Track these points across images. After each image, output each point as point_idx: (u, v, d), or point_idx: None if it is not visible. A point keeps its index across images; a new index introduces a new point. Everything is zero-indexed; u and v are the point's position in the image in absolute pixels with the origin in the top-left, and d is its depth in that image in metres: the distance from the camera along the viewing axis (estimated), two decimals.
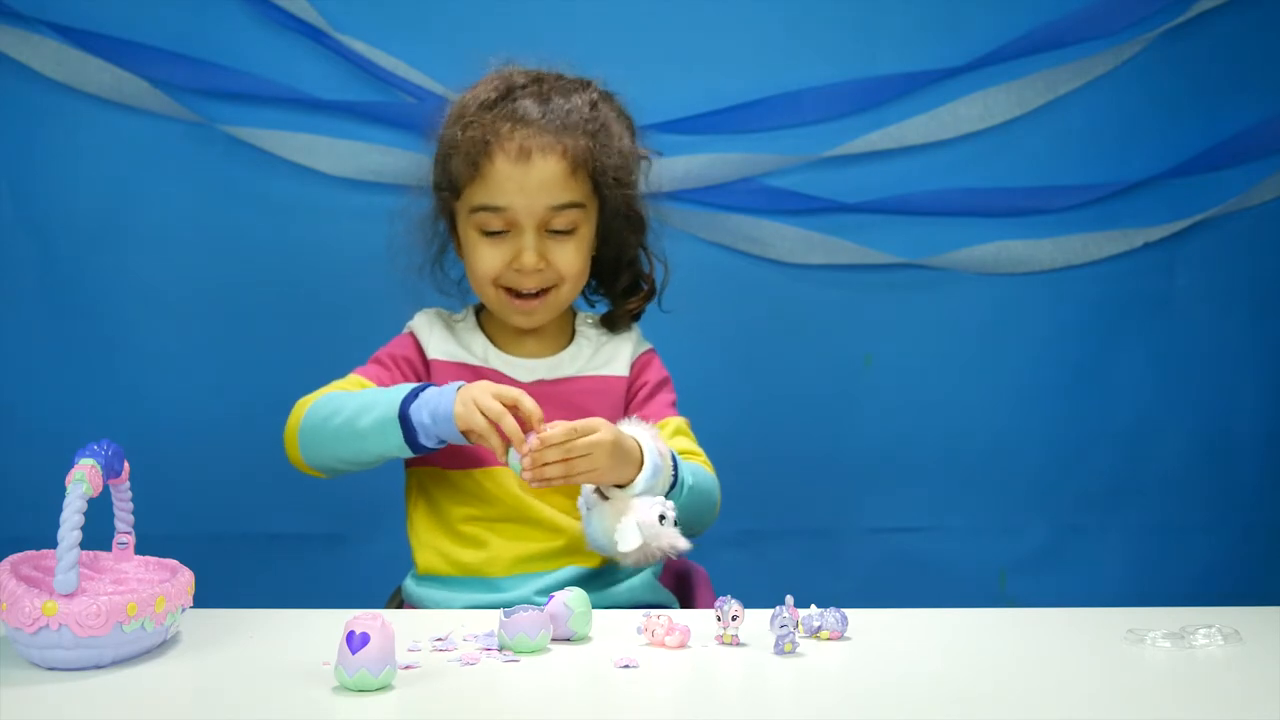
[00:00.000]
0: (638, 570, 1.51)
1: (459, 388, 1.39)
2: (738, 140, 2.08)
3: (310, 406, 1.47)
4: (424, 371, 1.56)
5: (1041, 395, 2.15)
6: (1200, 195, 2.13)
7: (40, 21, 1.98)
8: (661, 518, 1.35)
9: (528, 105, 1.51)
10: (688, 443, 1.58)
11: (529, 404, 1.36)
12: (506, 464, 1.37)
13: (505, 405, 1.35)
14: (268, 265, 2.05)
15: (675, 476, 1.44)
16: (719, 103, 2.07)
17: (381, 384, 1.51)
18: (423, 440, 1.40)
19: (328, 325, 2.05)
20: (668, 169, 2.00)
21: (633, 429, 1.42)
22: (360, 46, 2.02)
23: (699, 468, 1.52)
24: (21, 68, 2.00)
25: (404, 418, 1.39)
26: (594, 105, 1.54)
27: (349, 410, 1.43)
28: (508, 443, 1.36)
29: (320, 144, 2.03)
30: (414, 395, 1.40)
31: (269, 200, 2.04)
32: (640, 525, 1.34)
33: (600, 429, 1.36)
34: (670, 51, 2.06)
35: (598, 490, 1.40)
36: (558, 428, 1.34)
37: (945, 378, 2.14)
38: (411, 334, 1.59)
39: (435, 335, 1.58)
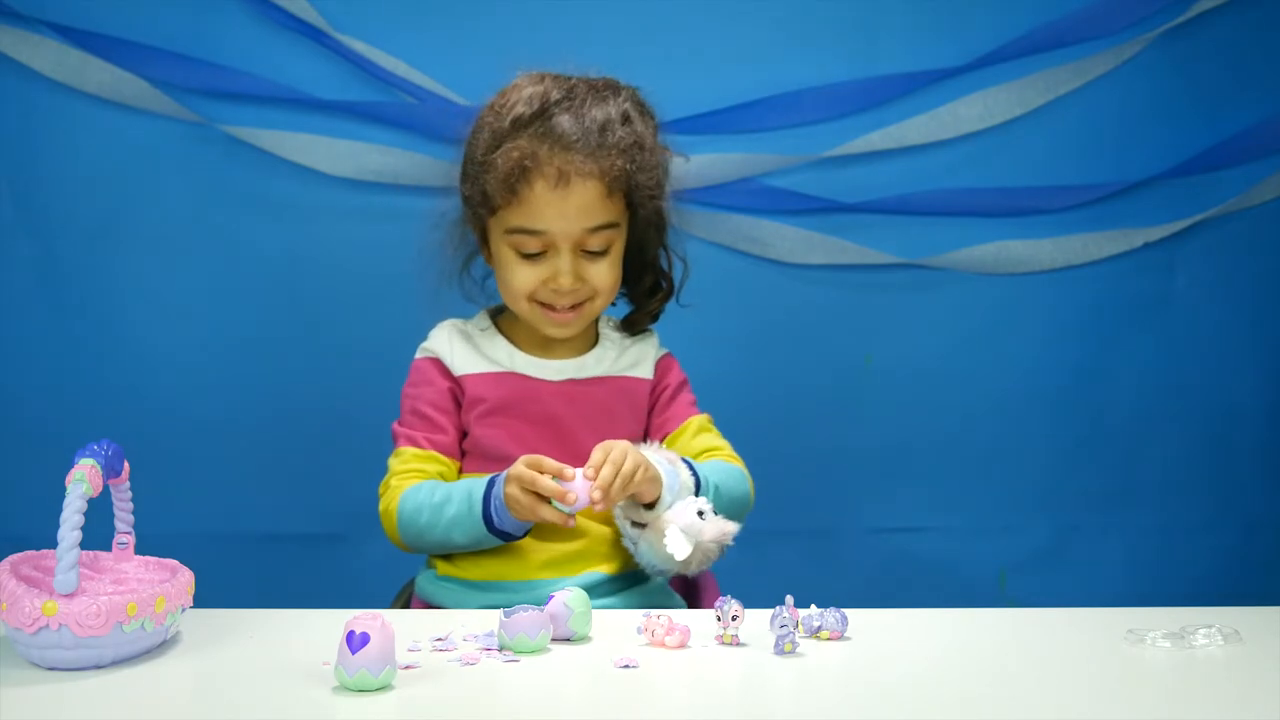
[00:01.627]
0: (647, 574, 1.51)
1: (502, 486, 1.43)
2: (738, 140, 2.08)
3: (399, 513, 1.50)
4: (460, 392, 1.57)
5: (1041, 395, 2.15)
6: (1200, 195, 2.13)
7: (40, 21, 1.98)
8: (700, 514, 1.38)
9: (564, 123, 1.50)
10: (711, 438, 1.60)
11: (550, 463, 1.40)
12: (565, 521, 1.40)
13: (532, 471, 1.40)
14: (267, 265, 2.05)
15: (695, 478, 1.47)
16: (719, 102, 2.07)
17: (436, 445, 1.55)
18: (517, 535, 1.47)
19: (328, 324, 2.05)
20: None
21: (648, 453, 1.45)
22: (360, 46, 2.02)
23: (721, 465, 1.55)
24: (21, 68, 2.00)
25: (496, 533, 1.46)
26: (626, 117, 1.53)
27: (442, 526, 1.47)
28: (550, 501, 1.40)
29: (320, 144, 2.03)
30: (489, 508, 1.44)
31: (268, 200, 2.04)
32: (684, 530, 1.37)
33: (616, 442, 1.40)
34: (670, 51, 2.06)
35: (635, 524, 1.43)
36: (598, 459, 1.38)
37: (945, 378, 2.14)
38: (432, 359, 1.59)
39: (457, 351, 1.58)
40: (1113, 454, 2.17)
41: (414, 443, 1.55)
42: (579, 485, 1.38)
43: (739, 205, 2.09)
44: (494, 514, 1.44)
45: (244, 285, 2.05)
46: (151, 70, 2.00)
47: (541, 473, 1.39)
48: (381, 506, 1.53)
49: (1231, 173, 2.13)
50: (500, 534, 1.46)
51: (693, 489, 1.46)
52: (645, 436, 1.59)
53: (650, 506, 1.43)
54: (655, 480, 1.41)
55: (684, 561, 1.39)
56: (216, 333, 2.05)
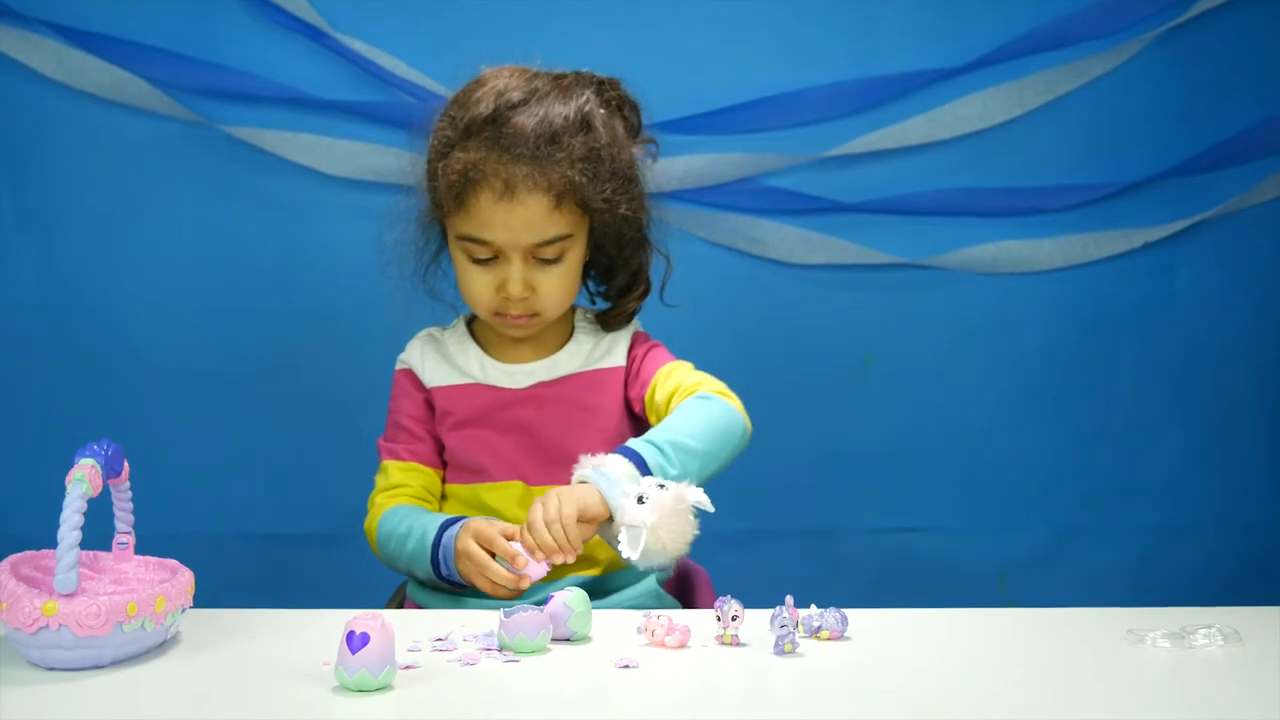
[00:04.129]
0: (641, 577, 1.50)
1: (452, 538, 1.40)
2: (737, 140, 2.09)
3: (376, 536, 1.51)
4: (432, 403, 1.57)
5: (1041, 395, 2.15)
6: (1200, 195, 2.13)
7: (41, 22, 1.98)
8: (641, 499, 1.32)
9: (515, 130, 1.45)
10: (681, 375, 1.52)
11: (501, 544, 1.35)
12: (525, 576, 1.35)
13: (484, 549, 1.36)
14: (267, 265, 2.05)
15: (640, 459, 1.39)
16: (719, 102, 2.07)
17: (417, 455, 1.55)
18: (463, 584, 1.43)
19: (327, 324, 2.05)
20: (667, 169, 1.99)
21: (580, 471, 1.39)
22: (360, 46, 2.02)
23: (681, 408, 1.46)
24: (22, 68, 2.00)
25: (444, 579, 1.44)
26: (585, 123, 1.49)
27: (405, 558, 1.47)
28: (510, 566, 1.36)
29: (320, 144, 2.03)
30: (437, 555, 1.42)
31: (268, 200, 2.05)
32: (629, 526, 1.32)
33: (548, 493, 1.35)
34: (670, 51, 2.06)
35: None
36: (526, 540, 1.34)
37: (945, 378, 2.14)
38: (406, 371, 1.59)
39: (429, 364, 1.57)
40: (1113, 454, 2.17)
41: (395, 456, 1.55)
42: (533, 563, 1.34)
43: (739, 205, 2.09)
44: (441, 562, 1.42)
45: (244, 284, 2.05)
46: (151, 70, 2.01)
47: (499, 540, 1.36)
48: (365, 524, 1.53)
49: (1232, 172, 2.13)
50: (448, 580, 1.43)
51: (636, 473, 1.37)
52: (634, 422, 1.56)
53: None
54: (600, 503, 1.34)
55: (643, 561, 1.32)
56: (216, 332, 2.06)
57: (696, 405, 1.47)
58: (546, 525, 1.33)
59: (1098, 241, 2.13)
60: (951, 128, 2.10)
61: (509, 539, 1.36)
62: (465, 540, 1.38)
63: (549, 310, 1.53)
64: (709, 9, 2.08)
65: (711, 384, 1.51)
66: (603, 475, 1.36)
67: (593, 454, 1.41)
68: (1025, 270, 2.12)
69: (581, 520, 1.34)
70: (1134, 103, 2.12)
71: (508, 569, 1.35)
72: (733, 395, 1.50)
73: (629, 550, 1.32)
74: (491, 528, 1.37)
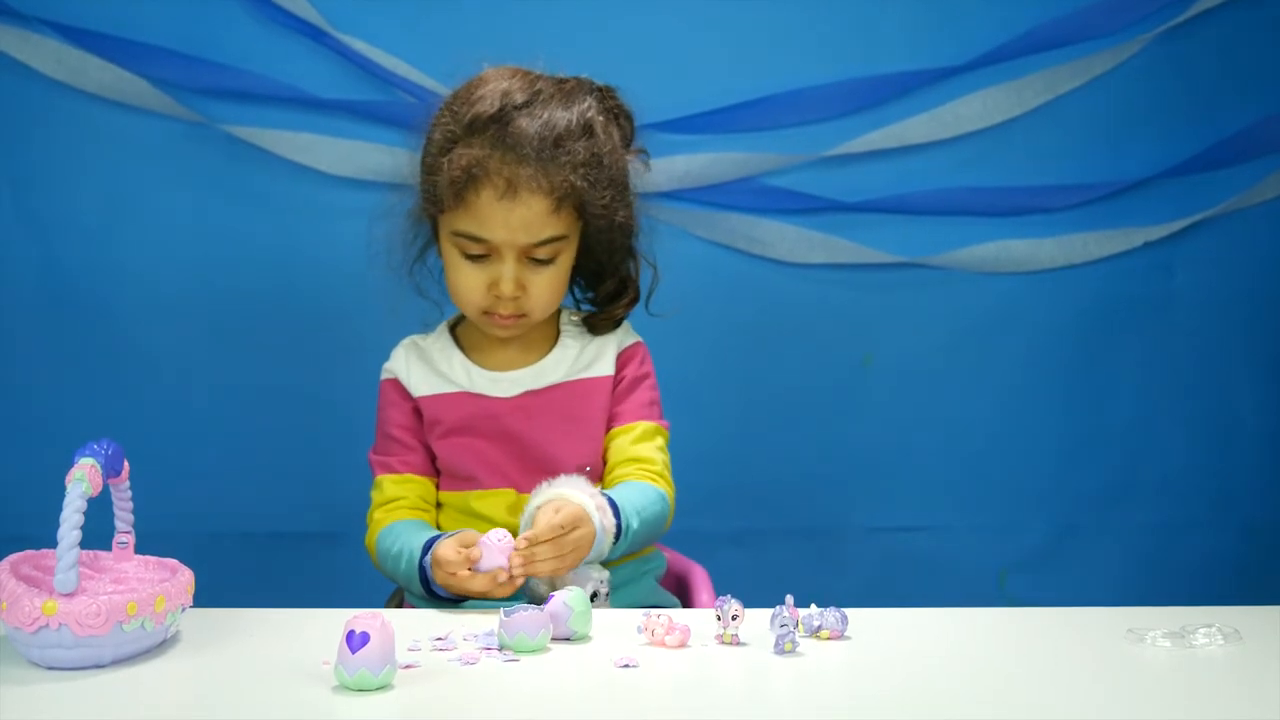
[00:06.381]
0: (639, 576, 1.51)
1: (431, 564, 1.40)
2: (738, 139, 2.09)
3: (377, 551, 1.51)
4: (420, 413, 1.56)
5: (1041, 394, 2.15)
6: (1200, 194, 2.13)
7: (40, 20, 1.98)
8: (594, 596, 1.35)
9: (519, 131, 1.46)
10: (649, 449, 1.54)
11: (454, 559, 1.35)
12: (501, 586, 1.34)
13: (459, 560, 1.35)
14: (267, 264, 2.05)
15: (619, 528, 1.41)
16: (719, 102, 2.07)
17: (411, 466, 1.54)
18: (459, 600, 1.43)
19: (327, 323, 2.05)
20: (667, 168, 2.00)
21: (575, 492, 1.39)
22: (360, 45, 2.02)
23: (645, 494, 1.48)
24: (22, 67, 2.00)
25: (438, 597, 1.42)
26: (587, 128, 1.49)
27: (402, 575, 1.46)
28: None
29: (320, 143, 2.03)
30: (426, 576, 1.41)
31: (269, 199, 2.04)
32: (565, 602, 1.30)
33: (584, 523, 1.35)
34: (670, 50, 2.06)
35: None
36: (541, 523, 1.33)
37: (945, 377, 2.14)
38: (393, 381, 1.58)
39: (414, 373, 1.57)
40: (1113, 453, 2.17)
41: (389, 469, 1.55)
42: (494, 553, 1.33)
43: (739, 204, 2.09)
44: (431, 581, 1.40)
45: (243, 284, 2.05)
46: (152, 69, 2.01)
47: (455, 558, 1.34)
48: (365, 540, 1.53)
49: (1231, 172, 2.13)
50: (442, 598, 1.42)
51: (606, 550, 1.40)
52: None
53: None
54: (584, 550, 1.36)
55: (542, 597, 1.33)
56: (216, 332, 2.06)
57: (658, 506, 1.49)
58: (553, 545, 1.32)
59: (1098, 240, 2.13)
60: (952, 127, 2.10)
61: (469, 545, 1.35)
62: (437, 575, 1.37)
63: (537, 311, 1.53)
64: (709, 8, 2.08)
65: (669, 483, 1.53)
66: (600, 544, 1.37)
67: (582, 462, 1.47)
68: (1025, 269, 2.12)
69: (574, 562, 1.36)
70: (1134, 102, 2.12)
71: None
72: (673, 503, 1.53)
73: (542, 603, 1.29)
74: (454, 552, 1.35)
